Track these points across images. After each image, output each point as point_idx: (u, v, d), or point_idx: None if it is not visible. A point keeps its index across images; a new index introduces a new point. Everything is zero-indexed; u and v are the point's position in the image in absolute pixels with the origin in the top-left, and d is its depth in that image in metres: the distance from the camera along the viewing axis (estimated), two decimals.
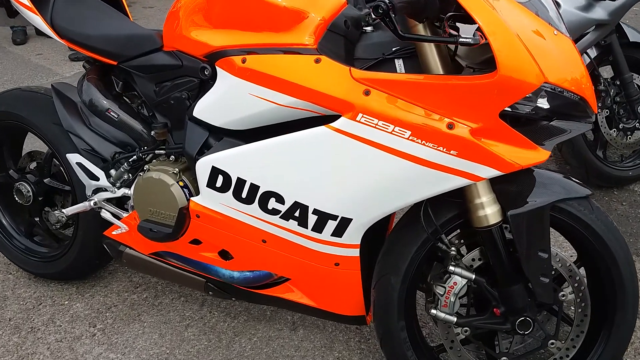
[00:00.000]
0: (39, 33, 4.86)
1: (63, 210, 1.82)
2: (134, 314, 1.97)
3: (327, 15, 1.30)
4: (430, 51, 1.23)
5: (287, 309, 1.76)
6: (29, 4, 1.69)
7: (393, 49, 1.30)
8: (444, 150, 1.18)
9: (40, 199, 1.98)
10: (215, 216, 1.49)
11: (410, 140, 1.19)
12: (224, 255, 1.59)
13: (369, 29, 1.35)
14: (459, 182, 1.22)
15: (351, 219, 1.33)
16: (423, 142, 1.18)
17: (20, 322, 1.95)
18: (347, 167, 1.27)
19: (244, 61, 1.33)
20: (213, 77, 1.43)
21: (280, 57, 1.29)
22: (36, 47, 4.75)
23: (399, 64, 1.31)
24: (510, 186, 1.33)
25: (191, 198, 1.52)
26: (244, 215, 1.44)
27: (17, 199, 2.00)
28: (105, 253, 1.84)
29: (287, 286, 1.59)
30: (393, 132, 1.20)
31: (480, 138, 1.18)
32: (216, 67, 1.40)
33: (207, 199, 1.48)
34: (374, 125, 1.21)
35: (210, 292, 1.70)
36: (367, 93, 1.21)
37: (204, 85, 1.48)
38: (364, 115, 1.21)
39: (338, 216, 1.33)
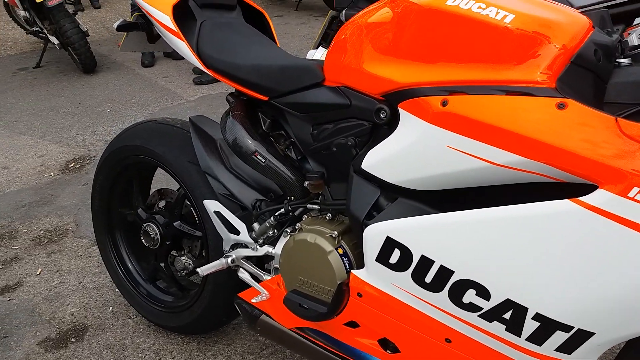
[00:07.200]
0: (167, 55, 4.91)
1: (198, 269, 1.56)
2: None
3: (569, 42, 0.92)
4: None
5: None
6: (175, 28, 1.46)
7: None
8: None
9: (167, 243, 1.77)
10: (382, 298, 1.15)
11: None
12: (385, 345, 1.24)
13: (625, 61, 0.96)
14: None
15: (593, 333, 0.92)
16: None
17: None
18: (603, 261, 0.86)
19: (444, 103, 0.99)
20: (390, 122, 1.11)
21: (502, 100, 0.93)
22: (162, 70, 4.80)
23: None
24: None
25: (352, 271, 1.19)
26: (424, 305, 1.09)
27: (143, 241, 1.81)
28: (234, 309, 1.57)
29: None
30: None
31: None
32: (399, 109, 1.07)
33: (375, 276, 1.15)
34: None
35: None
36: None
37: (376, 131, 1.16)
38: None
39: (573, 327, 0.93)
